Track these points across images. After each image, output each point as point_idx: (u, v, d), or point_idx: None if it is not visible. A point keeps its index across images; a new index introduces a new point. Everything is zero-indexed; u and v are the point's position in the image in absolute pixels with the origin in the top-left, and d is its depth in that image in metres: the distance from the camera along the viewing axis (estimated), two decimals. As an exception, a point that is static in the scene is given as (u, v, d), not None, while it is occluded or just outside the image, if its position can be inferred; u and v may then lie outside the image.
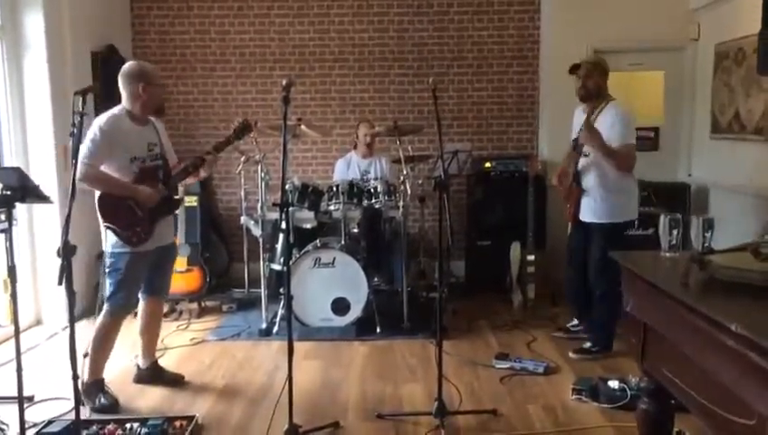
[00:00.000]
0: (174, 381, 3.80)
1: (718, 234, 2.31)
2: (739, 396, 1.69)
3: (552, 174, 5.68)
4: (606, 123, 3.93)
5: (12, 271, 2.74)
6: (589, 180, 4.05)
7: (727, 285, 1.98)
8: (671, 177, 5.72)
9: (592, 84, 3.98)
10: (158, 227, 3.53)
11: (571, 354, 4.13)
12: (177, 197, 3.70)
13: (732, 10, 4.97)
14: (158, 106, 3.77)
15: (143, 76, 3.45)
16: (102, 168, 3.37)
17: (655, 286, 2.17)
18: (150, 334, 3.80)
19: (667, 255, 2.42)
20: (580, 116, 4.13)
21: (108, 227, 3.40)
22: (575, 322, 4.49)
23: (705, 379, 1.90)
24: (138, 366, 3.82)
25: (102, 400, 3.44)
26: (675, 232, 2.42)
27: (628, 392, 3.34)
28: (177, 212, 4.99)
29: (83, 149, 3.29)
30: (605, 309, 4.05)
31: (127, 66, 3.54)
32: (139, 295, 3.65)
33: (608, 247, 3.60)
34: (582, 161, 4.07)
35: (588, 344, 4.16)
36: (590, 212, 4.07)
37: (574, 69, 4.04)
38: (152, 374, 3.80)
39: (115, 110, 3.47)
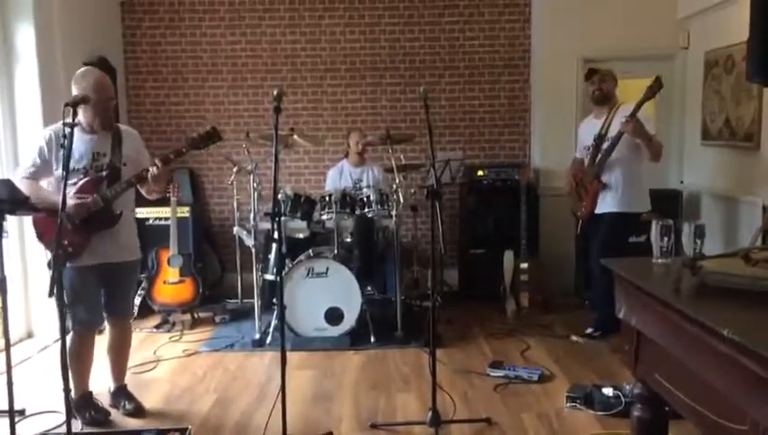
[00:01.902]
0: (133, 413, 3.52)
1: (709, 240, 2.32)
2: (731, 401, 1.70)
3: (545, 182, 5.75)
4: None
5: (2, 283, 2.71)
6: (612, 175, 4.35)
7: (719, 290, 1.98)
8: (663, 184, 5.74)
9: (607, 88, 4.36)
10: (97, 241, 3.31)
11: (573, 337, 4.40)
12: (117, 211, 3.35)
13: (720, 18, 5.01)
14: (102, 120, 3.35)
15: (78, 83, 3.25)
16: (49, 179, 3.28)
17: (647, 293, 2.18)
18: (115, 357, 3.62)
19: (659, 261, 2.43)
20: (590, 124, 4.47)
21: (40, 242, 3.29)
22: (590, 329, 4.58)
23: (697, 384, 1.91)
24: (109, 389, 3.67)
25: (93, 413, 3.40)
26: (666, 238, 2.43)
27: (623, 399, 3.35)
28: (170, 223, 5.08)
29: (23, 162, 3.22)
30: (603, 290, 4.13)
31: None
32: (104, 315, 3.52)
33: (616, 231, 4.25)
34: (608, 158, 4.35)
35: (590, 329, 4.42)
36: (609, 203, 4.35)
37: (591, 74, 4.42)
38: (115, 400, 3.60)
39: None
